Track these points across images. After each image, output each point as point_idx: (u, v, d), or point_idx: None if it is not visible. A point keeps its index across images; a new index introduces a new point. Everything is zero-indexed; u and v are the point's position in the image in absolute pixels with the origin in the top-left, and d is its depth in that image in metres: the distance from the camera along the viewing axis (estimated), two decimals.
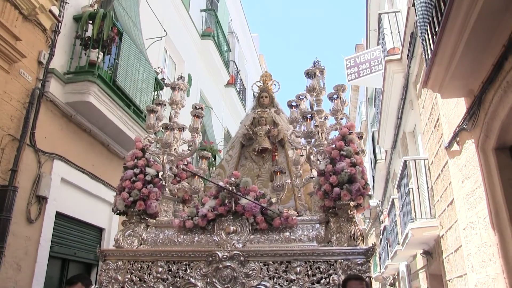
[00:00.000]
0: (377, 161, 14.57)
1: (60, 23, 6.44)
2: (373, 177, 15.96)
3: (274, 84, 6.30)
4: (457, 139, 5.45)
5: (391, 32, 9.16)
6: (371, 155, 16.22)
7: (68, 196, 6.49)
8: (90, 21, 6.78)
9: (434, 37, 4.51)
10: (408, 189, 8.07)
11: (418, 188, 7.95)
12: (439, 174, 6.79)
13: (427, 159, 7.74)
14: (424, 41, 5.02)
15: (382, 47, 10.16)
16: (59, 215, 6.30)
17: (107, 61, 6.93)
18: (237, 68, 16.89)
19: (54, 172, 6.19)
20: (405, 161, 8.10)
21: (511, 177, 4.36)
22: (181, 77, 5.99)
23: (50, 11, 6.13)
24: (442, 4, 4.07)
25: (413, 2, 5.69)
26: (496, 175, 4.44)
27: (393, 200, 10.98)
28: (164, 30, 9.95)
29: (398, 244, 9.79)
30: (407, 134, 9.82)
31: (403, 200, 8.58)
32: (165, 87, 9.13)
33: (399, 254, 10.46)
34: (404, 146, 10.36)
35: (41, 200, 5.90)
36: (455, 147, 5.59)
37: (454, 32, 4.00)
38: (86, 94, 6.36)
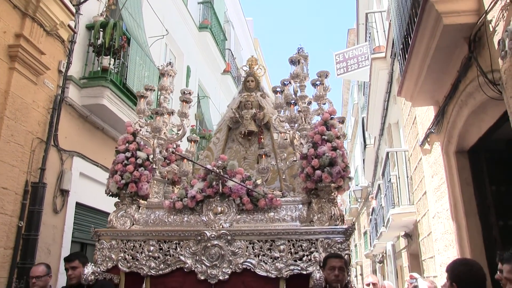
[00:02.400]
0: (367, 146, 15.43)
1: (75, 34, 7.14)
2: (363, 160, 16.84)
3: (260, 69, 6.42)
4: (428, 139, 6.26)
5: (377, 32, 9.87)
6: (361, 139, 17.05)
7: (85, 188, 7.27)
8: (101, 29, 7.48)
9: (406, 56, 5.29)
10: (390, 178, 8.91)
11: (398, 178, 8.78)
12: (416, 167, 7.62)
13: (407, 151, 8.56)
14: (399, 56, 5.80)
15: (369, 43, 10.87)
16: (78, 205, 7.10)
17: (116, 66, 7.64)
18: (233, 56, 17.54)
19: (74, 168, 6.97)
20: (387, 153, 8.92)
21: (468, 176, 5.20)
22: (170, 63, 6.11)
23: (68, 24, 6.83)
24: (410, 35, 4.84)
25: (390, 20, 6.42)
26: (455, 175, 5.28)
27: (379, 185, 11.87)
28: (166, 30, 10.62)
29: (383, 226, 10.71)
30: (392, 125, 10.65)
31: (386, 187, 9.44)
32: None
33: (383, 235, 11.39)
34: (390, 135, 11.19)
35: (64, 193, 6.69)
36: (427, 146, 6.41)
37: (419, 58, 4.80)
38: (100, 97, 7.09)
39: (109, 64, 7.33)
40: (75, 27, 7.11)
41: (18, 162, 5.71)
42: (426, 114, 6.32)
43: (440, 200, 5.93)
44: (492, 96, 3.81)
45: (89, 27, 7.58)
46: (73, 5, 6.95)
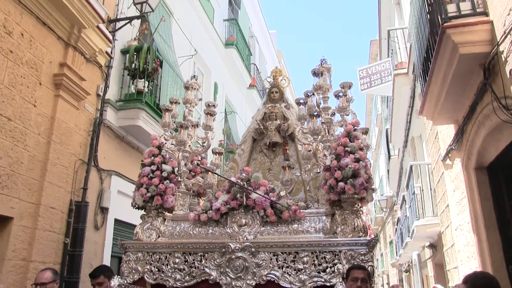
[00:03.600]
0: (391, 157, 15.62)
1: (112, 59, 7.61)
2: (387, 170, 17.02)
3: (284, 80, 6.46)
4: (449, 155, 6.52)
5: (399, 48, 10.14)
6: (386, 150, 17.23)
7: (122, 205, 7.68)
8: (135, 53, 7.94)
9: (426, 78, 5.58)
10: (414, 190, 9.14)
11: (422, 190, 9.01)
12: (439, 180, 7.85)
13: (430, 164, 8.79)
14: (420, 78, 6.10)
15: (391, 59, 11.14)
16: (117, 221, 7.54)
17: (151, 88, 8.09)
18: (258, 70, 17.94)
19: (112, 186, 7.41)
20: (411, 166, 9.16)
21: (487, 192, 5.45)
22: (194, 76, 6.17)
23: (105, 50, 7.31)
24: (430, 59, 5.14)
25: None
26: (475, 190, 5.54)
27: (403, 196, 12.07)
28: (194, 49, 11.08)
29: (408, 236, 10.91)
30: (415, 138, 10.87)
31: (411, 199, 9.66)
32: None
33: (409, 245, 11.58)
34: (413, 147, 11.40)
35: (104, 211, 7.14)
36: (448, 161, 6.66)
37: (438, 82, 5.10)
38: (136, 119, 7.53)
39: (144, 86, 7.78)
40: (111, 52, 7.58)
41: (63, 183, 6.16)
42: (447, 130, 6.58)
43: (462, 213, 6.17)
44: (505, 120, 4.08)
45: (124, 51, 8.04)
46: (109, 32, 7.43)
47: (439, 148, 7.45)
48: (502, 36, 3.87)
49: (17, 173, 5.35)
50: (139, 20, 8.34)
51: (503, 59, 3.92)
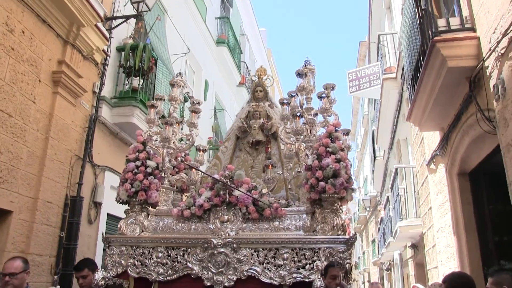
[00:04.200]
0: (376, 158, 15.95)
1: (108, 57, 7.74)
2: (372, 170, 17.36)
3: (268, 79, 6.47)
4: (434, 160, 6.79)
5: (388, 53, 10.40)
6: (371, 150, 17.57)
7: (114, 200, 7.85)
8: (131, 51, 8.07)
9: (415, 86, 5.83)
10: (398, 192, 9.43)
11: (406, 192, 9.30)
12: (423, 183, 8.14)
13: (415, 167, 9.08)
14: (409, 85, 6.35)
15: (380, 63, 11.41)
16: (109, 216, 7.69)
17: (144, 85, 8.23)
18: (247, 68, 18.12)
19: (106, 181, 7.56)
20: (396, 168, 9.44)
21: (468, 196, 5.74)
22: (180, 73, 6.19)
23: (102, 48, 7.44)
24: (419, 68, 5.38)
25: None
26: (457, 194, 5.82)
27: (387, 197, 12.38)
28: (187, 48, 11.22)
29: (391, 236, 11.22)
30: (401, 141, 11.17)
31: (395, 200, 9.96)
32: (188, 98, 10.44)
33: (391, 245, 11.90)
34: (398, 150, 11.71)
35: (97, 205, 7.28)
36: (432, 166, 6.93)
37: (426, 92, 5.36)
38: (130, 116, 7.66)
39: (138, 84, 7.92)
40: (107, 50, 7.71)
41: (60, 178, 6.30)
42: (432, 136, 6.85)
43: (443, 216, 6.45)
44: (487, 130, 4.35)
45: (119, 49, 8.15)
46: (106, 29, 7.55)
47: (424, 153, 7.72)
48: (487, 52, 4.11)
49: (16, 168, 5.48)
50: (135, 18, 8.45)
51: (488, 74, 4.17)
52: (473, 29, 4.58)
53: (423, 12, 5.11)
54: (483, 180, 5.63)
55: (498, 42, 3.81)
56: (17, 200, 5.46)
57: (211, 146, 12.60)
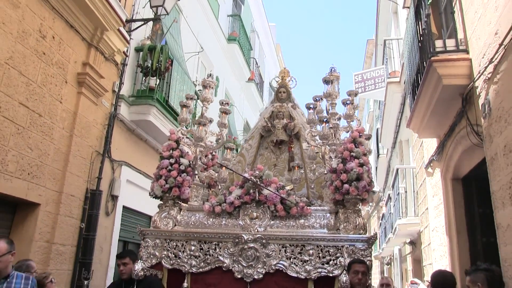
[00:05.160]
0: (380, 155, 16.39)
1: (127, 57, 8.21)
2: (376, 167, 17.81)
3: (292, 80, 6.71)
4: (431, 164, 7.24)
5: (393, 57, 10.81)
6: (375, 147, 17.99)
7: (130, 193, 8.34)
8: (148, 52, 8.52)
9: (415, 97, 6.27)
10: (399, 192, 9.89)
11: (406, 191, 9.76)
12: (422, 184, 8.60)
13: (415, 168, 9.53)
14: (409, 95, 6.79)
15: (385, 67, 11.82)
16: (125, 208, 8.20)
17: (161, 85, 8.69)
18: (257, 64, 18.55)
19: (122, 175, 8.06)
20: (397, 169, 9.90)
21: (460, 200, 6.20)
22: (210, 75, 6.38)
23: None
24: (418, 82, 5.83)
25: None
26: (451, 197, 6.28)
27: (389, 194, 12.85)
28: (200, 46, 11.67)
29: (391, 233, 11.70)
30: (403, 142, 11.61)
31: (395, 199, 10.42)
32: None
33: (391, 241, 12.39)
34: (401, 149, 12.14)
35: (114, 198, 7.78)
36: (430, 169, 7.39)
37: (424, 104, 5.81)
38: (147, 114, 8.16)
39: (155, 84, 8.39)
40: (127, 51, 8.17)
41: (81, 173, 6.81)
42: (431, 141, 7.30)
43: (438, 217, 6.92)
44: (476, 143, 4.81)
45: (138, 50, 8.63)
46: (126, 31, 8.01)
47: (423, 156, 8.17)
48: (477, 74, 4.56)
49: (44, 164, 5.99)
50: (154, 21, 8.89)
51: (477, 94, 4.61)
52: (466, 51, 5.01)
53: (423, 31, 5.54)
54: (474, 186, 6.07)
55: (486, 68, 4.25)
56: (44, 193, 5.97)
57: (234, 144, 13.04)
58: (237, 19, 15.80)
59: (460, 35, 5.24)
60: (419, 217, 9.17)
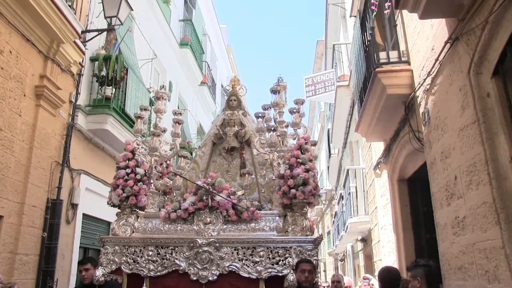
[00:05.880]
0: (331, 155, 16.96)
1: (83, 67, 8.27)
2: (328, 167, 18.40)
3: (242, 89, 6.96)
4: (379, 166, 7.71)
5: (342, 61, 11.29)
6: (327, 146, 18.58)
7: (89, 201, 8.42)
8: (104, 61, 8.60)
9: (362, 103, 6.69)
10: (350, 191, 10.38)
11: (356, 190, 10.25)
12: (371, 184, 9.09)
13: (364, 168, 10.03)
14: (357, 100, 7.22)
15: (335, 70, 12.31)
16: (85, 216, 8.28)
17: (117, 94, 8.78)
18: (209, 67, 18.74)
19: (81, 184, 8.13)
20: (347, 170, 10.38)
21: (406, 199, 6.67)
22: (163, 86, 6.59)
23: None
24: (365, 89, 6.24)
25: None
26: (397, 198, 6.74)
27: (341, 193, 13.38)
28: (154, 53, 11.80)
29: (343, 230, 12.22)
30: (353, 143, 12.13)
31: (346, 198, 10.91)
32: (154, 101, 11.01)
33: (343, 238, 12.92)
34: (351, 150, 12.68)
35: (74, 206, 7.85)
36: (378, 171, 7.86)
37: (371, 110, 6.23)
38: (104, 123, 8.25)
39: (111, 93, 8.48)
40: (82, 61, 8.24)
41: (42, 183, 6.87)
42: (378, 145, 7.77)
43: (386, 216, 7.39)
44: (417, 148, 5.25)
45: (93, 59, 8.68)
46: (81, 42, 8.07)
47: (372, 158, 8.66)
48: (418, 85, 4.99)
49: (6, 176, 6.04)
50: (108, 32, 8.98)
51: (418, 102, 5.05)
52: (408, 63, 5.45)
53: (368, 42, 5.96)
54: (419, 186, 6.55)
55: (425, 79, 4.68)
56: (6, 205, 6.03)
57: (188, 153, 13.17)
58: (188, 24, 15.94)
59: (403, 47, 5.67)
60: (369, 216, 9.68)
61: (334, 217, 17.18)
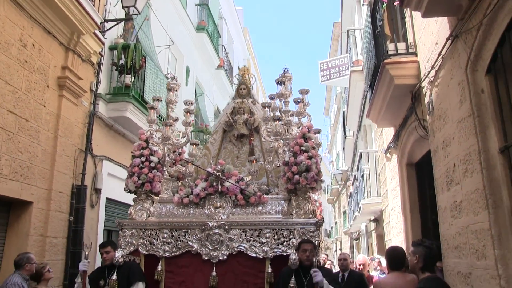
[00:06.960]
0: (346, 137, 17.17)
1: (102, 57, 8.59)
2: (343, 148, 18.63)
3: (251, 78, 7.24)
4: (389, 150, 7.94)
5: (356, 47, 11.44)
6: (342, 128, 18.77)
7: (112, 185, 8.80)
8: (122, 50, 8.89)
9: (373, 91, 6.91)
10: (363, 173, 10.63)
11: (369, 173, 10.50)
12: (382, 166, 9.33)
13: (377, 151, 10.25)
14: (368, 88, 7.43)
15: (349, 55, 12.45)
16: (108, 200, 8.70)
17: (136, 81, 9.10)
18: (225, 51, 18.93)
19: (104, 169, 8.53)
20: (360, 153, 10.62)
21: (414, 183, 6.91)
22: (174, 77, 6.91)
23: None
24: (376, 77, 6.45)
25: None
26: (405, 181, 6.99)
27: (355, 175, 13.64)
28: (170, 39, 12.05)
29: (357, 211, 12.52)
30: (367, 126, 12.34)
31: (360, 181, 11.18)
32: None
33: (357, 218, 13.23)
34: (365, 133, 12.89)
35: (98, 191, 8.27)
36: (388, 155, 8.10)
37: (380, 99, 6.46)
38: (124, 111, 8.59)
39: (131, 81, 8.80)
40: (102, 51, 8.55)
41: (67, 170, 7.27)
42: (389, 130, 7.99)
43: (395, 198, 7.65)
44: (422, 136, 5.49)
45: (111, 48, 8.99)
46: (100, 32, 8.37)
47: (383, 142, 8.88)
48: (423, 76, 5.21)
49: (34, 165, 6.43)
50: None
51: (424, 93, 5.27)
52: (415, 54, 5.65)
53: (378, 33, 6.16)
54: (426, 170, 6.74)
55: (429, 72, 4.89)
56: (36, 192, 6.44)
57: (194, 129, 13.49)
58: (205, 8, 16.11)
59: (410, 39, 5.87)
60: (381, 197, 9.93)
61: (349, 198, 17.48)
